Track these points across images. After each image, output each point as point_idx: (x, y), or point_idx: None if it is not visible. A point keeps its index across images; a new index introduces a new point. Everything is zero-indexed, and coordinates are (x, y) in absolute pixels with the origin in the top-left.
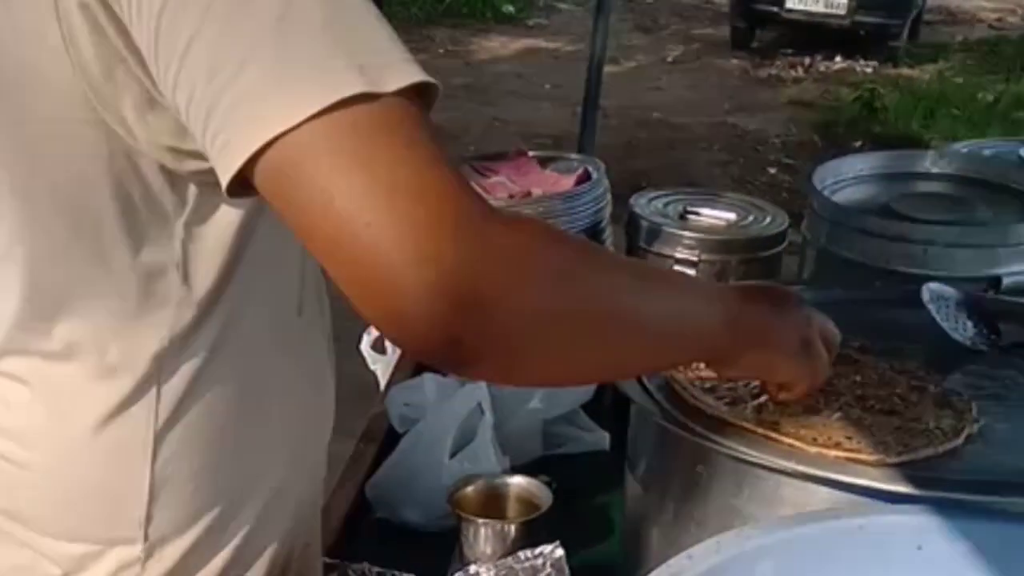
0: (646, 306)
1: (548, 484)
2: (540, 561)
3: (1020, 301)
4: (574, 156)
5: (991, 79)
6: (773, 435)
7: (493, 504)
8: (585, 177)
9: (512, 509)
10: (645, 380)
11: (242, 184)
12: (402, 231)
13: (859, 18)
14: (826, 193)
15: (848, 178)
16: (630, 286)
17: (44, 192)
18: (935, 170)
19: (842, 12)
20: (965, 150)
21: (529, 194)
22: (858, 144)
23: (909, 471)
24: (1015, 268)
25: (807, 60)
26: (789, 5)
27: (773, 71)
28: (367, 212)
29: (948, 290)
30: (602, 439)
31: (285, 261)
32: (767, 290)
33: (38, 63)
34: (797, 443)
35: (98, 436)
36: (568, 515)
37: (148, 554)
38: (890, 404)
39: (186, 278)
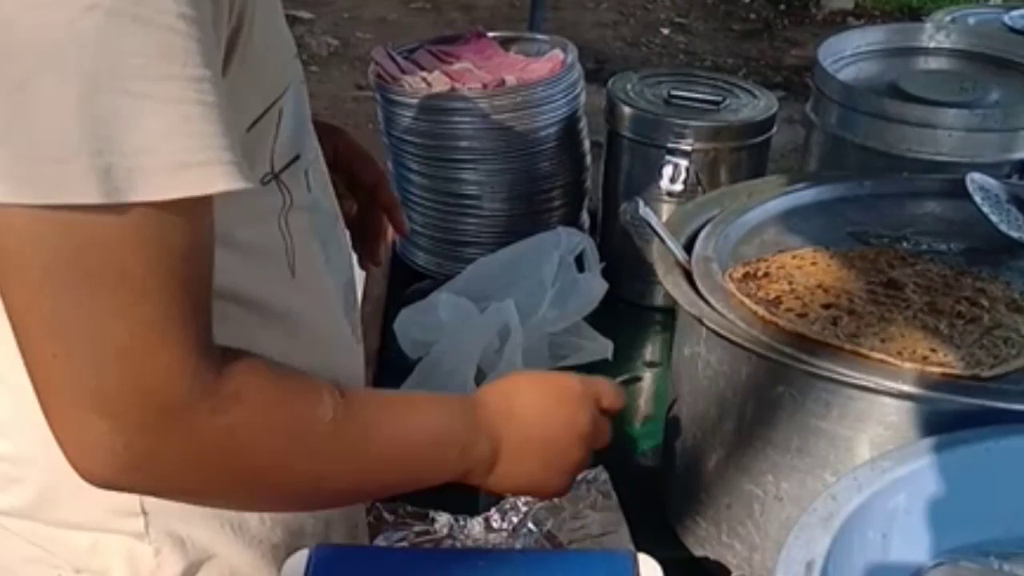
0: (358, 475)
1: None
2: (584, 488)
3: None
4: (538, 36)
5: None
6: (862, 351)
7: None
8: (558, 61)
9: None
10: (699, 284)
11: None
12: (84, 390)
13: None
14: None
15: (847, 55)
16: (344, 466)
17: None
18: (932, 44)
19: None
20: (949, 18)
21: (503, 83)
22: (748, 1)
23: (1005, 384)
24: None
25: None
26: None
27: None
28: (59, 345)
29: (991, 181)
30: (605, 348)
31: None
32: (548, 386)
33: None
34: (888, 359)
35: None
36: None
37: (158, 542)
38: (964, 310)
39: None
